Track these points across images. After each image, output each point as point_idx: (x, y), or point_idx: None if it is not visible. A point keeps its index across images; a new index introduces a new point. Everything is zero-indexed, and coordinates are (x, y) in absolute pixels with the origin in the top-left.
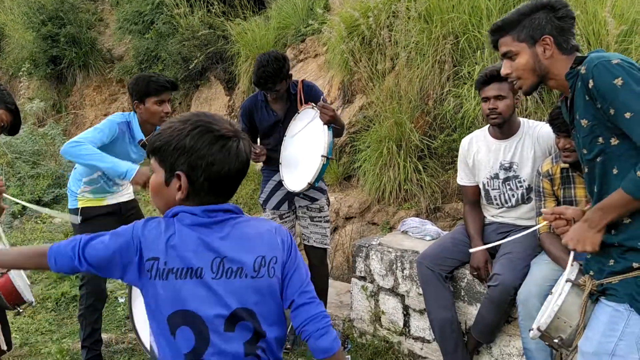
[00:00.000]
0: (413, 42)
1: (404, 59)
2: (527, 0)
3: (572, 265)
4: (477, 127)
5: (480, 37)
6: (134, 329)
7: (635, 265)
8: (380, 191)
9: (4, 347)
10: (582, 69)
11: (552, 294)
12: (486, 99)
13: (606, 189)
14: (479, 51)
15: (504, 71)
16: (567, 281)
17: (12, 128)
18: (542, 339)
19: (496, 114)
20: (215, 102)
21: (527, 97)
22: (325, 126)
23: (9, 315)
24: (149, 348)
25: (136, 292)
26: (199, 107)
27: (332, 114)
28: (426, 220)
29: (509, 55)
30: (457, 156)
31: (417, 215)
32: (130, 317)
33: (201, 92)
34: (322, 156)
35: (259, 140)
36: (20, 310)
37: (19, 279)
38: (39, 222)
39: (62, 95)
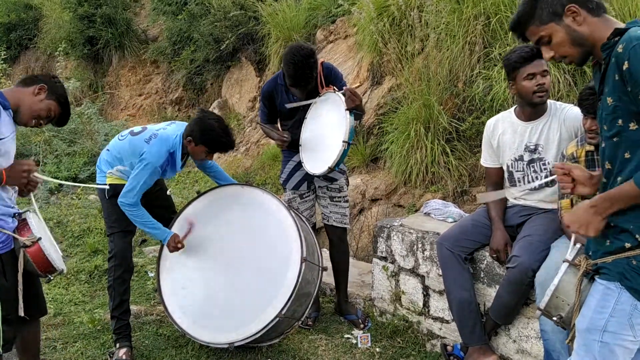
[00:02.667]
0: (443, 23)
1: (433, 40)
2: None
3: (574, 246)
4: (506, 109)
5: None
6: (161, 302)
7: (627, 245)
8: (407, 173)
9: (21, 313)
10: (620, 47)
11: None
12: (532, 76)
13: (617, 169)
14: (510, 32)
15: (546, 56)
16: (564, 261)
17: (60, 119)
18: (546, 317)
19: (544, 91)
20: (245, 83)
21: (559, 79)
22: (347, 112)
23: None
24: (176, 320)
25: (164, 267)
26: (230, 89)
27: (359, 103)
28: (449, 203)
29: (543, 42)
30: None
31: (444, 199)
32: (157, 290)
33: (232, 73)
34: (343, 142)
35: (279, 122)
36: (52, 278)
37: (50, 247)
38: (75, 198)
39: (99, 75)
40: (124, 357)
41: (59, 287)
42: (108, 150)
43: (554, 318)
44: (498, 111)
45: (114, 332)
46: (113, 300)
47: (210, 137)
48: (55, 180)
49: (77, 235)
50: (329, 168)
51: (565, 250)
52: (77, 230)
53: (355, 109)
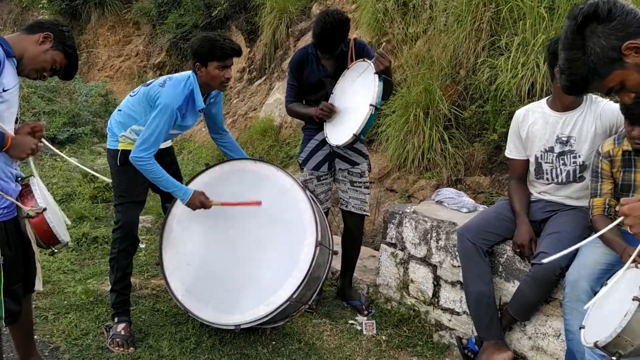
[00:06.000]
0: (452, 7)
1: (441, 23)
2: None
3: (637, 257)
4: (510, 100)
5: (523, 7)
6: (163, 278)
7: None
8: (402, 158)
9: (39, 287)
10: None
11: (605, 285)
12: None
13: None
14: (520, 22)
15: (627, 100)
16: (633, 299)
17: (66, 72)
18: (600, 351)
19: None
20: None
21: None
22: (376, 76)
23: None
24: (179, 298)
25: (167, 241)
26: None
27: (388, 64)
28: (462, 192)
29: (615, 90)
30: (485, 129)
31: (438, 186)
32: (160, 264)
33: None
34: (371, 105)
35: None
36: (55, 251)
37: (55, 217)
38: (58, 160)
39: (76, 32)
40: (122, 332)
41: (45, 254)
42: (120, 110)
43: (613, 358)
44: (502, 101)
45: (113, 306)
46: (115, 273)
47: (210, 46)
48: (58, 152)
49: (59, 199)
50: (354, 135)
51: (596, 250)
52: (60, 194)
53: (385, 72)
